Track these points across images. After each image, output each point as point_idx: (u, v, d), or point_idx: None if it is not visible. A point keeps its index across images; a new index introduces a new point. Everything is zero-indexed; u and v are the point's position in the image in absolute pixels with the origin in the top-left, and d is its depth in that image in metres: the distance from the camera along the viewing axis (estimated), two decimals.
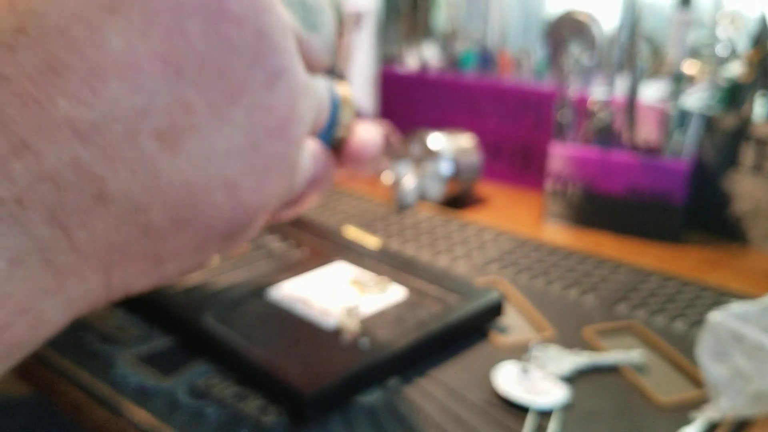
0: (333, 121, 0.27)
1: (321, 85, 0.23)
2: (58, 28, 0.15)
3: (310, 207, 0.24)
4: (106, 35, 0.16)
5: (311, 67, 0.22)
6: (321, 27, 0.23)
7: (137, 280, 0.18)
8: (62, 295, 0.16)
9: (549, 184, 0.63)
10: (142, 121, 0.16)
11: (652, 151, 0.59)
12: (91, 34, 0.16)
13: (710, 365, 0.33)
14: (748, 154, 0.57)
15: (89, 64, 0.15)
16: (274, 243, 0.52)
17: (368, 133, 0.29)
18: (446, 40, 0.79)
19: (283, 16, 0.19)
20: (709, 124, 0.59)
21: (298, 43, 0.20)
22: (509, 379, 0.35)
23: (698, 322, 0.43)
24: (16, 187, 0.14)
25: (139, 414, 0.33)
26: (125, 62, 0.16)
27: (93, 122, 0.15)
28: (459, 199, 0.67)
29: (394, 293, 0.42)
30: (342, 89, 0.28)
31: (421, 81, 0.79)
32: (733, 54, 0.59)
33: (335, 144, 0.28)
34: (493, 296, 0.41)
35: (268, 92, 0.18)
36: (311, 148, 0.24)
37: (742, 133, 0.57)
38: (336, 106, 0.27)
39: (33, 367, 0.39)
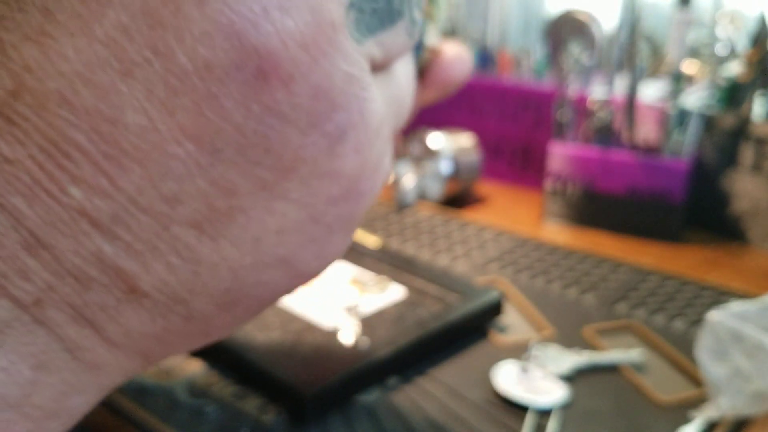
0: (417, 46, 0.23)
1: (400, 73, 0.19)
2: (60, 95, 0.12)
3: None
4: (120, 107, 0.13)
5: (391, 61, 0.18)
6: (405, 3, 0.17)
7: (182, 351, 0.17)
8: (97, 386, 0.15)
9: (549, 184, 0.63)
10: (173, 210, 0.13)
11: (651, 151, 0.59)
12: (102, 104, 0.13)
13: (710, 364, 0.33)
14: (747, 154, 0.57)
15: (103, 146, 0.13)
16: None
17: (455, 53, 0.25)
18: (446, 40, 0.79)
19: (346, 47, 0.15)
20: (708, 123, 0.59)
21: (369, 60, 0.16)
22: (509, 379, 0.35)
23: (698, 321, 0.43)
24: (34, 288, 0.13)
25: (139, 413, 0.33)
26: (146, 144, 0.13)
27: (114, 215, 0.13)
28: (459, 198, 0.67)
29: (394, 292, 0.42)
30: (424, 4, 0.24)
31: None
32: (733, 53, 0.59)
33: (419, 68, 0.24)
34: (492, 295, 0.41)
35: (330, 158, 0.15)
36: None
37: (741, 132, 0.57)
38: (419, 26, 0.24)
39: None
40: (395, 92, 0.18)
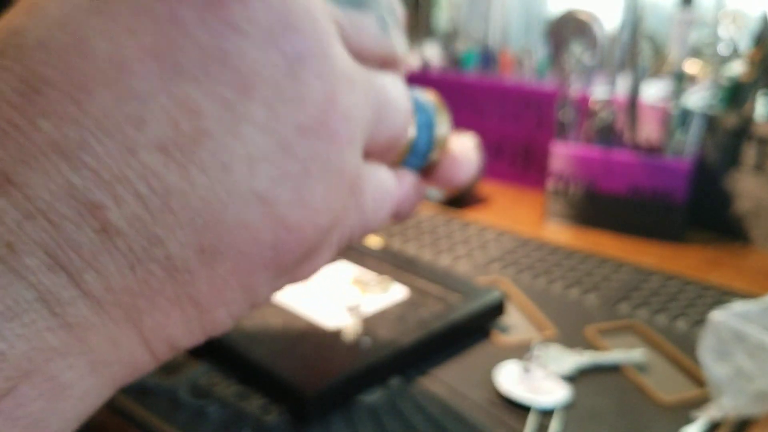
0: (429, 143, 0.22)
1: (384, 78, 0.19)
2: (39, 42, 0.13)
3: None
4: (89, 40, 0.13)
5: (365, 55, 0.18)
6: (374, 1, 0.18)
7: (180, 332, 0.15)
8: (83, 357, 0.14)
9: (550, 184, 0.63)
10: (139, 132, 0.13)
11: (653, 151, 0.59)
12: (74, 41, 0.13)
13: (712, 364, 0.33)
14: (749, 154, 0.57)
15: (72, 75, 0.13)
16: None
17: (463, 155, 0.25)
18: (447, 40, 0.79)
19: None
20: (710, 123, 0.59)
21: (337, 24, 0.17)
22: (511, 379, 0.35)
23: (700, 321, 0.43)
24: (4, 229, 0.12)
25: (141, 413, 0.33)
26: (111, 66, 0.13)
27: (81, 141, 0.13)
28: (460, 198, 0.67)
29: (396, 292, 0.42)
30: (432, 97, 0.23)
31: (422, 80, 0.79)
32: (735, 53, 0.59)
33: (428, 166, 0.24)
34: (494, 295, 0.41)
35: (290, 80, 0.15)
36: (397, 172, 0.20)
37: (743, 132, 0.57)
38: (430, 122, 0.22)
39: None
40: (376, 84, 0.18)
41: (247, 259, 0.15)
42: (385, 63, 0.19)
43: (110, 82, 0.13)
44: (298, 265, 0.17)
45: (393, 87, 0.20)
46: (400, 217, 0.24)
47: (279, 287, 0.18)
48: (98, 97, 0.13)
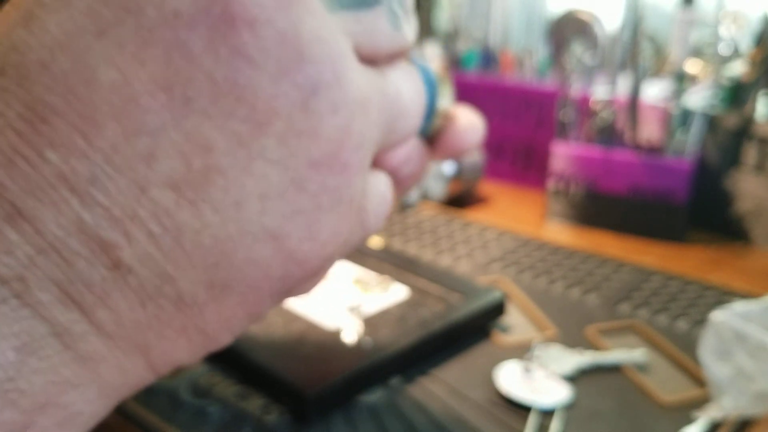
0: (430, 110, 0.22)
1: (397, 77, 0.18)
2: (40, 64, 0.13)
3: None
4: (95, 67, 0.13)
5: (378, 56, 0.17)
6: None
7: (185, 355, 0.16)
8: (94, 385, 0.14)
9: (551, 184, 0.63)
10: (150, 169, 0.13)
11: (654, 151, 0.59)
12: (78, 66, 0.13)
13: (713, 364, 0.33)
14: (750, 154, 0.57)
15: (78, 105, 0.13)
16: None
17: (468, 121, 0.25)
18: (448, 40, 0.79)
19: (314, 5, 0.15)
20: (711, 123, 0.59)
21: (349, 35, 0.16)
22: (511, 379, 0.35)
23: (701, 321, 0.43)
24: (17, 263, 0.12)
25: (141, 412, 0.33)
26: (119, 98, 0.13)
27: (91, 177, 0.13)
28: (461, 198, 0.67)
29: (397, 292, 0.42)
30: (436, 67, 0.23)
31: None
32: (736, 53, 0.59)
33: (431, 135, 0.24)
34: (495, 295, 0.41)
35: (304, 114, 0.15)
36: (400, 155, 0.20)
37: (744, 132, 0.57)
38: (433, 90, 0.22)
39: None
40: (389, 91, 0.18)
41: (256, 291, 0.16)
42: (396, 55, 0.19)
43: (119, 116, 0.13)
44: (299, 289, 0.18)
45: (406, 86, 0.19)
46: (403, 188, 0.23)
47: (279, 303, 0.18)
48: (107, 131, 0.13)
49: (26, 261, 0.12)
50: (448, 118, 0.24)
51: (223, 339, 0.16)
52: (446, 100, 0.23)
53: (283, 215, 0.15)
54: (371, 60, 0.17)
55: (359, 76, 0.16)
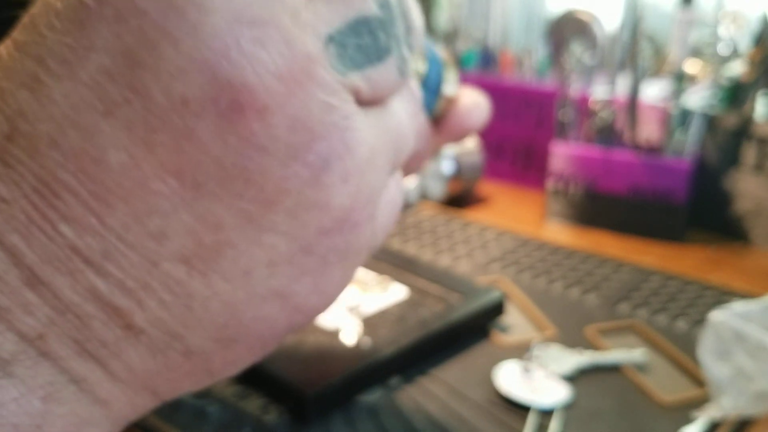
0: (435, 93, 0.23)
1: (398, 105, 0.18)
2: (50, 138, 0.13)
3: None
4: (103, 147, 0.13)
5: (384, 98, 0.17)
6: (393, 38, 0.16)
7: (191, 387, 0.17)
8: (107, 420, 0.15)
9: (551, 184, 0.63)
10: (161, 246, 0.14)
11: (653, 151, 0.59)
12: (87, 144, 0.13)
13: (712, 364, 0.33)
14: (749, 153, 0.57)
15: (89, 185, 0.13)
16: None
17: (472, 102, 0.25)
18: (448, 40, 0.79)
19: (324, 77, 0.14)
20: (710, 123, 0.59)
21: (356, 91, 0.16)
22: (511, 379, 0.35)
23: (700, 321, 0.43)
24: (37, 323, 0.13)
25: None
26: (130, 181, 0.13)
27: (104, 252, 0.13)
28: (461, 198, 0.67)
29: (396, 292, 0.42)
30: (441, 51, 0.23)
31: None
32: (735, 53, 0.59)
33: (435, 116, 0.24)
34: (494, 295, 0.41)
35: (315, 188, 0.15)
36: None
37: (743, 132, 0.57)
38: (439, 71, 0.22)
39: None
40: (391, 125, 0.18)
41: (261, 339, 0.16)
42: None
43: (129, 198, 0.13)
44: (302, 328, 0.19)
45: (406, 109, 0.19)
46: (408, 171, 0.23)
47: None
48: (118, 212, 0.13)
49: (46, 321, 0.13)
50: (452, 101, 0.24)
51: (229, 374, 0.17)
52: (451, 84, 0.24)
53: (291, 277, 0.15)
54: (378, 102, 0.17)
55: (367, 131, 0.16)
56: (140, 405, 0.16)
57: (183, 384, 0.16)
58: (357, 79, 0.16)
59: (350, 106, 0.15)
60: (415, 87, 0.20)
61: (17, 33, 0.14)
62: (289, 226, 0.15)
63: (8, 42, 0.14)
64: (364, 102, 0.16)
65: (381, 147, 0.17)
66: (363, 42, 0.16)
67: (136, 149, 0.13)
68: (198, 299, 0.14)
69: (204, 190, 0.14)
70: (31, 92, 0.13)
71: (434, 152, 0.25)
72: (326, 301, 0.17)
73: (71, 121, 0.13)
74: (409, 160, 0.21)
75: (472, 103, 0.25)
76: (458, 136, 0.25)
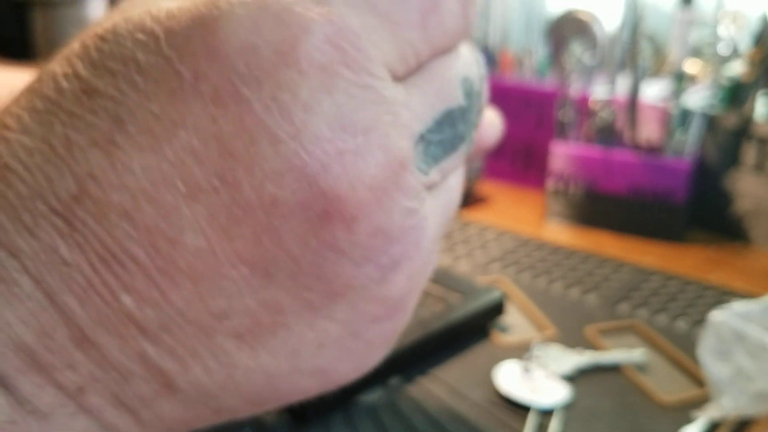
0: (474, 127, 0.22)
1: (454, 178, 0.18)
2: (123, 208, 0.12)
3: None
4: (180, 228, 0.13)
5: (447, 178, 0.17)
6: (467, 123, 0.17)
7: (205, 426, 0.17)
8: None
9: (551, 184, 0.63)
10: (219, 324, 0.14)
11: (653, 151, 0.59)
12: (163, 223, 0.13)
13: (712, 364, 0.33)
14: (750, 153, 0.57)
15: (159, 261, 0.13)
16: None
17: (488, 119, 0.25)
18: None
19: (410, 183, 0.14)
20: (710, 123, 0.59)
21: (428, 188, 0.16)
22: (511, 378, 0.35)
23: (700, 321, 0.43)
24: (79, 377, 0.13)
25: None
26: (202, 264, 0.13)
27: (161, 323, 0.13)
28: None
29: None
30: None
31: None
32: (735, 53, 0.59)
33: None
34: (494, 295, 0.41)
35: (380, 285, 0.15)
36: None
37: (744, 132, 0.57)
38: (479, 109, 0.21)
39: None
40: (448, 200, 0.18)
41: (291, 401, 0.17)
42: None
43: (198, 279, 0.13)
44: None
45: (456, 177, 0.18)
46: None
47: None
48: (184, 290, 0.13)
49: (88, 376, 0.13)
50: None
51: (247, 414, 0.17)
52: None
53: (336, 358, 0.16)
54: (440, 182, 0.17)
55: (431, 219, 0.16)
56: None
57: (201, 425, 0.16)
58: (435, 173, 0.16)
59: (425, 205, 0.15)
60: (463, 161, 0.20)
61: (84, 69, 0.13)
62: (346, 315, 0.15)
63: (70, 74, 0.13)
64: (432, 186, 0.16)
65: (439, 228, 0.17)
66: (444, 136, 0.16)
67: (215, 236, 0.13)
68: (241, 369, 0.15)
69: (274, 281, 0.14)
70: (105, 155, 0.12)
71: None
72: (360, 374, 0.17)
73: (148, 197, 0.13)
74: None
75: (488, 122, 0.25)
76: (472, 155, 0.26)
